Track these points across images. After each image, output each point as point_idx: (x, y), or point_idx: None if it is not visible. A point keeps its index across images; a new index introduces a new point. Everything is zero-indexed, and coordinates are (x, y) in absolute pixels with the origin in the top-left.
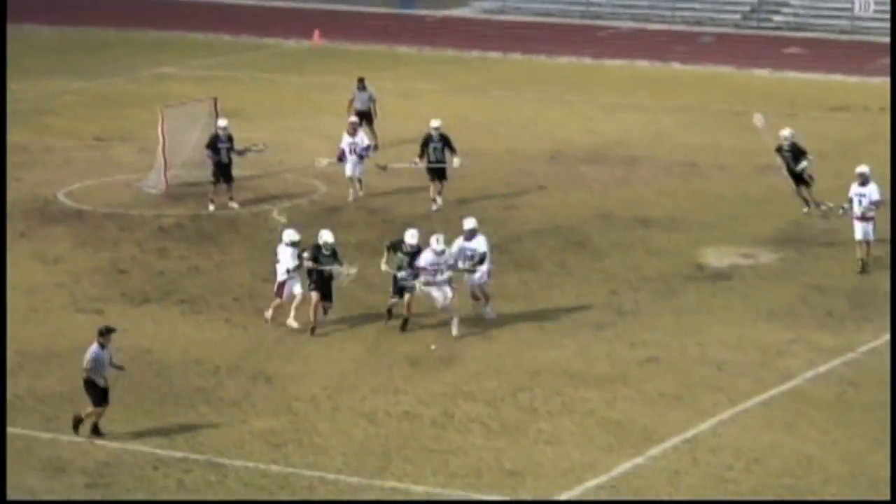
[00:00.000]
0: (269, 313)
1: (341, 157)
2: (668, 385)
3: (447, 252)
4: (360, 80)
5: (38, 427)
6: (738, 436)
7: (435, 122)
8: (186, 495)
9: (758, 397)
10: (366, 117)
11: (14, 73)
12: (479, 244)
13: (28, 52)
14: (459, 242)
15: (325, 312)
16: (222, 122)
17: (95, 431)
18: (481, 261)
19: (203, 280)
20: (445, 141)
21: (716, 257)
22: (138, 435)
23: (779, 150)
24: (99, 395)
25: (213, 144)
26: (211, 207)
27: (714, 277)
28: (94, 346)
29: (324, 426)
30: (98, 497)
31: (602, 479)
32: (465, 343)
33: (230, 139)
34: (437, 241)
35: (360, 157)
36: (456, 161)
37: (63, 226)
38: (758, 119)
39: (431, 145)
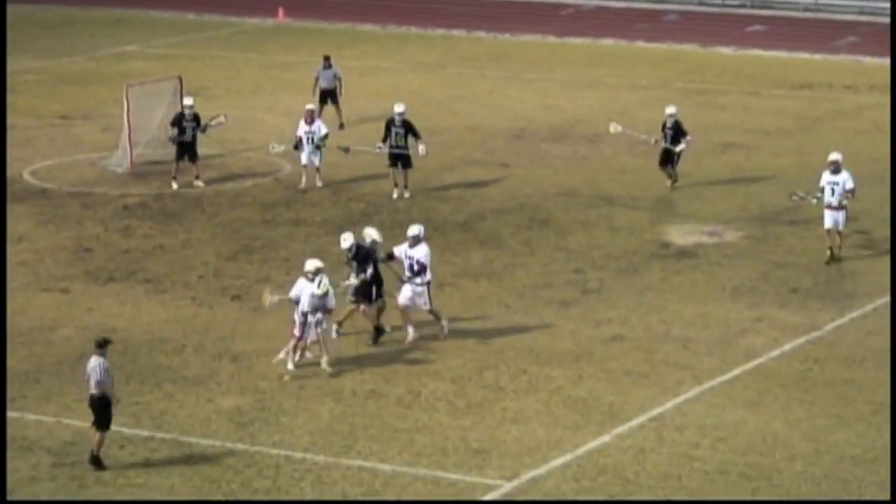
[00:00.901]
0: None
1: (297, 146)
2: (633, 363)
3: (329, 294)
4: (326, 59)
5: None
6: (703, 414)
7: (399, 108)
8: (152, 475)
9: (722, 375)
10: (331, 95)
11: None
12: (422, 253)
13: None
14: (403, 248)
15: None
16: (188, 101)
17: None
18: (422, 270)
19: (168, 258)
20: (408, 127)
21: (680, 235)
22: None
23: (662, 127)
24: (108, 415)
25: (179, 122)
26: (174, 186)
27: (678, 255)
28: (98, 359)
29: (289, 405)
30: (64, 476)
31: (568, 457)
32: (430, 321)
33: (196, 118)
34: (318, 284)
35: (317, 147)
36: (421, 148)
37: (26, 204)
38: (613, 127)
39: (394, 130)
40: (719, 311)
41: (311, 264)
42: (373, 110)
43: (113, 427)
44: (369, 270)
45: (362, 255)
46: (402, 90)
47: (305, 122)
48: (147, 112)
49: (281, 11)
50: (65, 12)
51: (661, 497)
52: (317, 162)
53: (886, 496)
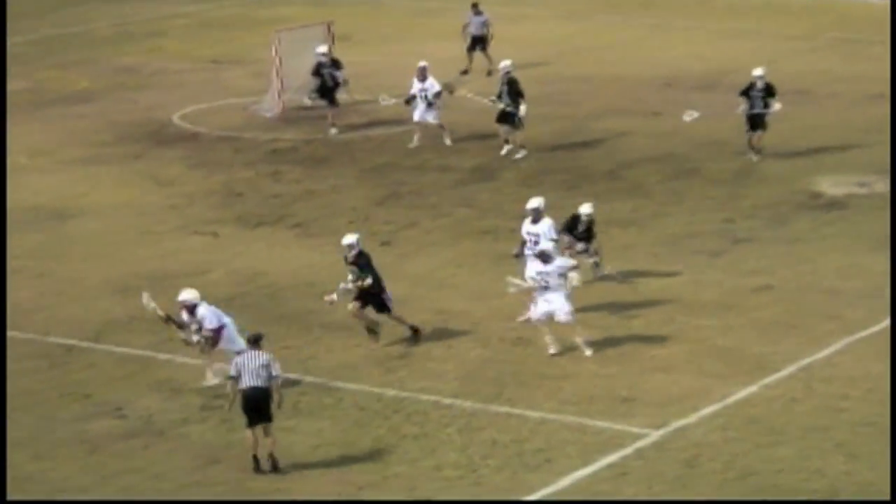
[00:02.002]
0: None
1: (409, 101)
2: (781, 313)
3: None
4: (475, 5)
5: (153, 348)
6: (851, 365)
7: (504, 63)
8: (301, 419)
9: (872, 327)
10: (481, 42)
11: None
12: (545, 228)
13: None
14: (525, 226)
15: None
16: (322, 48)
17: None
18: (554, 242)
19: (316, 203)
20: (512, 84)
21: (829, 185)
22: None
23: (747, 91)
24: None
25: (317, 70)
26: (333, 131)
27: (828, 206)
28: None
29: (437, 351)
30: (215, 418)
31: (716, 406)
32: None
33: (334, 63)
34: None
35: (430, 104)
36: (522, 108)
37: (177, 148)
38: (689, 115)
39: (501, 87)
40: (868, 262)
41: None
42: (519, 58)
43: None
44: (368, 279)
45: (363, 262)
46: (548, 38)
47: (418, 79)
48: (296, 57)
49: None
50: None
51: (810, 445)
52: (431, 119)
53: None
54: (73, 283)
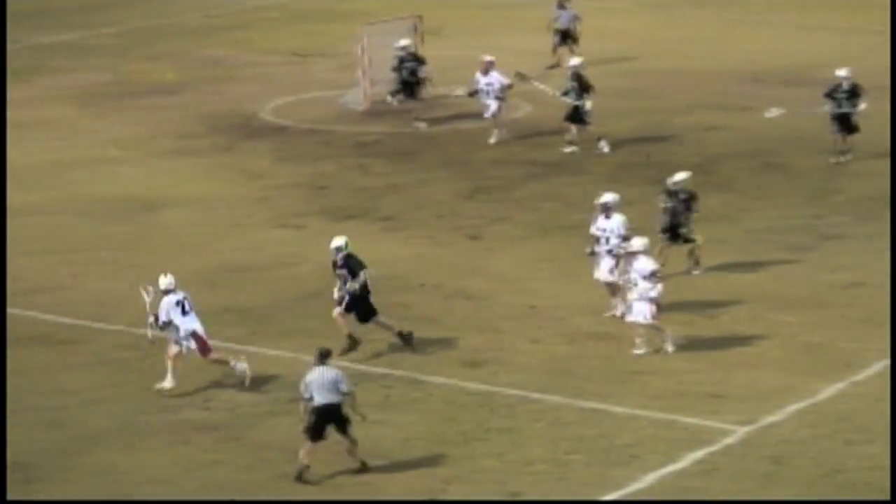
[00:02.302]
0: None
1: (473, 94)
2: (871, 310)
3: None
4: (561, 1)
5: (241, 340)
6: None
7: (574, 60)
8: (388, 413)
9: None
10: (568, 37)
11: None
12: (617, 223)
13: None
14: (597, 222)
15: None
16: (403, 42)
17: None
18: (625, 239)
19: (404, 197)
20: (580, 80)
21: None
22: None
23: (831, 93)
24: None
25: (398, 66)
26: (421, 125)
27: None
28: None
29: (525, 345)
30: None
31: (804, 403)
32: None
33: (415, 58)
34: None
35: (497, 99)
36: (589, 104)
37: (265, 141)
38: (772, 112)
39: (570, 84)
40: None
41: None
42: (606, 52)
43: (348, 363)
44: (355, 283)
45: (353, 264)
46: (635, 32)
47: (482, 73)
48: (384, 50)
49: None
50: None
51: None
52: (487, 115)
53: None
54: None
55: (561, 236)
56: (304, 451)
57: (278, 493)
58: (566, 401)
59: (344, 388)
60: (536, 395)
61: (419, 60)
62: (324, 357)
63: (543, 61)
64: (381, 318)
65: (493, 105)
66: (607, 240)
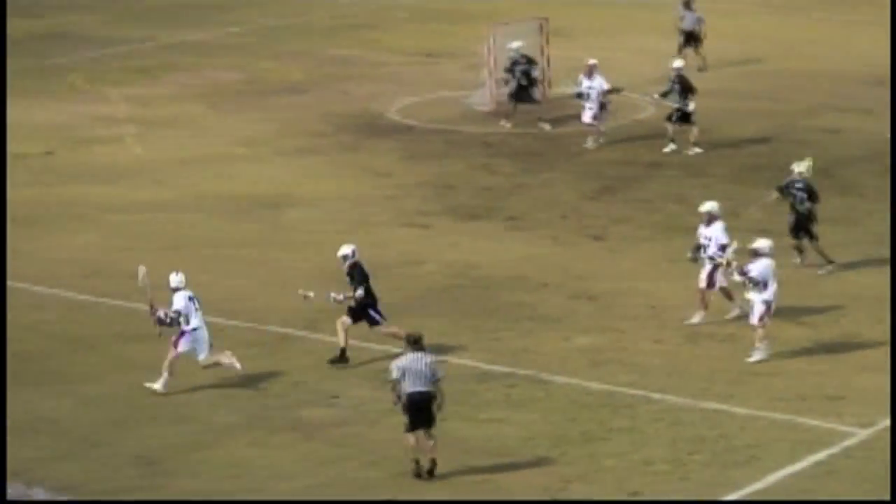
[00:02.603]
0: None
1: (579, 96)
2: None
3: None
4: (686, 2)
5: (366, 338)
6: None
7: (676, 63)
8: (511, 411)
9: None
10: (693, 38)
11: None
12: (717, 231)
13: None
14: (700, 229)
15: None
16: (516, 44)
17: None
18: (722, 249)
19: (529, 197)
20: (682, 82)
21: None
22: (464, 348)
23: None
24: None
25: (510, 68)
26: (546, 126)
27: None
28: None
29: (646, 345)
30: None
31: None
32: None
33: (528, 60)
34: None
35: (602, 105)
36: (691, 105)
37: (392, 140)
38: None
39: (671, 85)
40: None
41: None
42: (730, 54)
43: (472, 362)
44: (360, 290)
45: (357, 273)
46: (759, 34)
47: (586, 76)
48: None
49: None
50: None
51: None
52: (587, 119)
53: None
54: (290, 273)
55: (684, 237)
56: (409, 445)
57: (399, 490)
58: (687, 401)
59: (439, 374)
60: (657, 396)
61: (531, 62)
62: (417, 342)
63: (667, 62)
64: (384, 327)
65: (593, 108)
66: (705, 248)
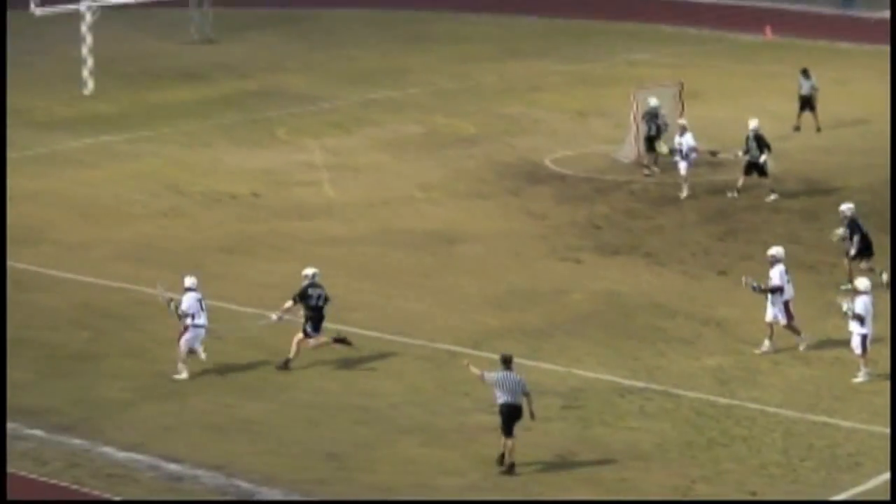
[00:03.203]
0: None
1: (672, 152)
2: None
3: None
4: (804, 71)
5: (523, 355)
6: None
7: (752, 123)
8: (646, 420)
9: None
10: (809, 103)
11: (507, 55)
12: (774, 273)
13: (521, 38)
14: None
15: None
16: (653, 101)
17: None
18: (772, 291)
19: (664, 237)
20: (759, 140)
21: None
22: (606, 366)
23: None
24: (512, 425)
25: (649, 121)
26: (649, 172)
27: None
28: (505, 373)
29: (765, 366)
30: (573, 417)
31: None
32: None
33: (658, 115)
34: None
35: (686, 158)
36: (764, 157)
37: (548, 186)
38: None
39: (749, 143)
40: None
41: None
42: (844, 115)
43: (613, 377)
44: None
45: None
46: (868, 97)
47: (679, 134)
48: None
49: (768, 29)
50: (586, 24)
51: None
52: (682, 170)
53: None
54: (458, 298)
55: (800, 274)
56: (506, 449)
57: (548, 487)
58: (799, 415)
59: (527, 389)
60: (773, 409)
61: (660, 117)
62: (507, 362)
63: (790, 124)
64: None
65: (682, 164)
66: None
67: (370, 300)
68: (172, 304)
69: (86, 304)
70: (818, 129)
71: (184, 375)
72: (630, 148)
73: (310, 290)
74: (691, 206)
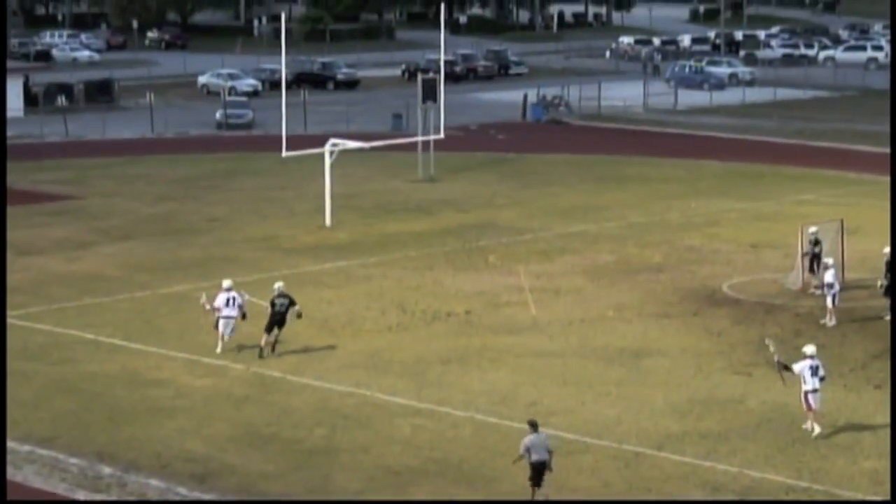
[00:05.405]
0: None
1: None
2: None
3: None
4: None
5: (700, 456)
6: None
7: (887, 249)
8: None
9: None
10: None
11: (693, 194)
12: (800, 368)
13: (703, 178)
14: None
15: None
16: (812, 229)
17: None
18: (784, 368)
19: (827, 353)
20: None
21: None
22: (774, 467)
23: None
24: (542, 476)
25: (810, 246)
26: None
27: None
28: (535, 436)
29: None
30: None
31: None
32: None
33: (817, 241)
34: None
35: (831, 288)
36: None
37: (724, 308)
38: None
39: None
40: None
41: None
42: None
43: (780, 478)
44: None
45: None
46: None
47: (824, 269)
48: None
49: None
50: (759, 168)
51: None
52: (829, 304)
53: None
54: (645, 405)
55: None
56: (537, 495)
57: None
58: None
59: (551, 446)
60: None
61: (819, 243)
62: (535, 426)
63: None
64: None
65: (829, 297)
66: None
67: (568, 406)
68: (208, 306)
69: (323, 405)
70: None
71: (218, 350)
72: (797, 276)
73: (276, 300)
74: (850, 327)
